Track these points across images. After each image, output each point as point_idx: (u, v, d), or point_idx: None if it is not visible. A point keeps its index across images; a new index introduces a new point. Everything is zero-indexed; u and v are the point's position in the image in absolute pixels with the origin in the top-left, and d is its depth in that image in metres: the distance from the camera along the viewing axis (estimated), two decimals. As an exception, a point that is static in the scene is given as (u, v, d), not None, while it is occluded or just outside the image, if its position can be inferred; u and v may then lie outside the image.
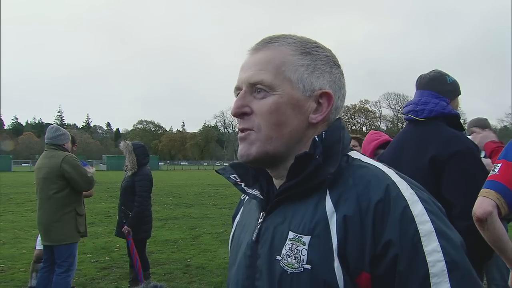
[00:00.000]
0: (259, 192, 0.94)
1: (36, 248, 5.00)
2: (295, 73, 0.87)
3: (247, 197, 1.01)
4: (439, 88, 2.28)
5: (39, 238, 4.97)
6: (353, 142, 5.11)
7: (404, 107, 2.43)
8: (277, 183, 0.93)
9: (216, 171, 1.04)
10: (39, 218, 4.36)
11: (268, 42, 0.90)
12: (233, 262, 0.98)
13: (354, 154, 0.90)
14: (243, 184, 0.96)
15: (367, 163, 0.86)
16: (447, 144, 2.10)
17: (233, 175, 0.97)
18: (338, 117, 0.93)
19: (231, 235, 1.07)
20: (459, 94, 2.38)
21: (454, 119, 2.25)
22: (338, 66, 0.93)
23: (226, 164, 1.03)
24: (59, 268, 4.27)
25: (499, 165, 1.84)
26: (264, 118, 0.86)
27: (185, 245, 7.91)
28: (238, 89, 0.91)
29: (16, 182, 25.42)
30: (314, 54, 0.89)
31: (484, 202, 1.76)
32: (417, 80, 2.40)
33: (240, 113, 0.88)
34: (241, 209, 1.08)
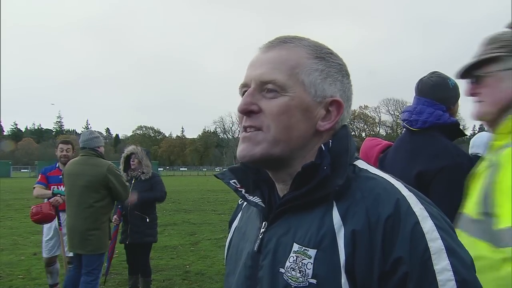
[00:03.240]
0: (260, 200, 0.90)
1: (44, 256, 5.09)
2: (309, 77, 0.84)
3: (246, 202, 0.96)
4: (442, 95, 2.17)
5: (45, 244, 5.04)
6: None
7: (401, 113, 2.36)
8: (279, 189, 0.90)
9: (215, 175, 1.00)
10: (75, 226, 4.20)
11: (283, 42, 0.87)
12: (231, 272, 0.94)
13: (360, 163, 0.87)
14: (243, 190, 0.92)
15: (375, 174, 0.84)
16: (435, 159, 2.03)
17: (232, 181, 0.93)
18: (344, 124, 0.90)
19: (227, 241, 1.04)
20: (460, 96, 2.25)
21: (451, 127, 2.15)
22: (349, 76, 0.91)
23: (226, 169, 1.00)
24: (89, 276, 4.20)
25: None
26: (273, 119, 0.82)
27: (184, 251, 7.89)
28: (245, 86, 0.87)
29: (15, 188, 25.37)
30: (328, 60, 0.87)
31: None
32: (417, 85, 2.28)
33: (248, 110, 0.84)
34: (239, 215, 1.04)
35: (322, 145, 0.84)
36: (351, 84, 0.91)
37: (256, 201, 0.90)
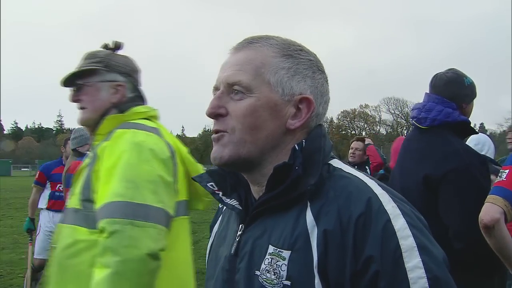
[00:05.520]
0: (237, 203, 0.90)
1: (35, 257, 4.92)
2: (275, 76, 0.83)
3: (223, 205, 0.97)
4: (456, 92, 2.09)
5: (38, 245, 4.90)
6: (357, 145, 5.03)
7: (411, 110, 2.29)
8: (255, 191, 0.90)
9: (192, 178, 1.00)
10: None
11: (250, 42, 0.87)
12: (211, 275, 0.95)
13: (335, 163, 0.87)
14: (220, 193, 0.92)
15: (349, 173, 0.84)
16: (442, 162, 1.98)
17: (210, 183, 0.93)
18: (319, 123, 0.89)
19: (209, 245, 1.04)
20: (475, 96, 2.18)
21: (461, 125, 2.09)
22: (322, 71, 0.90)
23: None
24: None
25: (506, 171, 1.83)
26: (239, 120, 0.82)
27: (184, 250, 7.88)
28: (216, 89, 0.88)
29: (16, 186, 25.35)
30: (296, 57, 0.86)
31: (492, 209, 1.74)
32: (432, 80, 2.20)
33: (215, 114, 0.84)
34: (220, 219, 1.04)
35: (295, 145, 0.83)
36: (325, 80, 0.90)
37: (233, 204, 0.90)
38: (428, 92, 2.22)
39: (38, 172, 5.13)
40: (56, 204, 4.86)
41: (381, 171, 4.08)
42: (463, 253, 1.75)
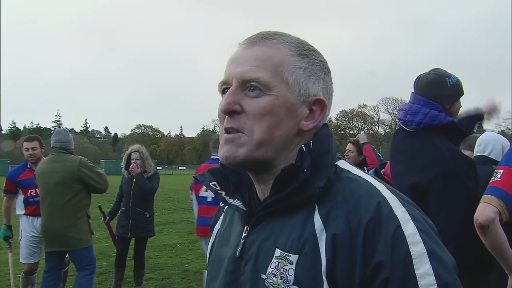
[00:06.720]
0: (241, 203, 0.88)
1: (23, 262, 4.86)
2: (293, 75, 0.81)
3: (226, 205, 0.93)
4: (437, 93, 2.05)
5: (22, 251, 4.82)
6: (349, 147, 5.01)
7: (398, 111, 2.25)
8: (260, 190, 0.87)
9: (194, 177, 0.97)
10: (50, 225, 4.08)
11: (266, 38, 0.83)
12: (213, 277, 0.92)
13: (342, 164, 0.85)
14: (223, 193, 0.89)
15: (357, 175, 0.82)
16: (427, 168, 1.95)
17: (212, 183, 0.90)
18: (324, 123, 0.87)
19: (210, 245, 1.01)
20: (462, 94, 2.13)
21: (448, 126, 2.04)
22: (330, 73, 0.89)
23: None
24: (84, 271, 4.18)
25: (501, 171, 1.83)
26: (256, 119, 0.79)
27: (183, 250, 7.90)
28: (226, 83, 0.84)
29: (14, 186, 25.28)
30: (311, 57, 0.85)
31: (487, 209, 1.74)
32: (415, 81, 2.18)
33: (231, 111, 0.80)
34: (221, 218, 1.01)
35: (302, 146, 0.81)
36: (332, 82, 0.89)
37: (237, 205, 0.88)
38: (412, 93, 2.18)
39: (6, 181, 4.81)
40: (34, 209, 4.68)
41: (371, 172, 4.11)
42: (455, 256, 1.77)
